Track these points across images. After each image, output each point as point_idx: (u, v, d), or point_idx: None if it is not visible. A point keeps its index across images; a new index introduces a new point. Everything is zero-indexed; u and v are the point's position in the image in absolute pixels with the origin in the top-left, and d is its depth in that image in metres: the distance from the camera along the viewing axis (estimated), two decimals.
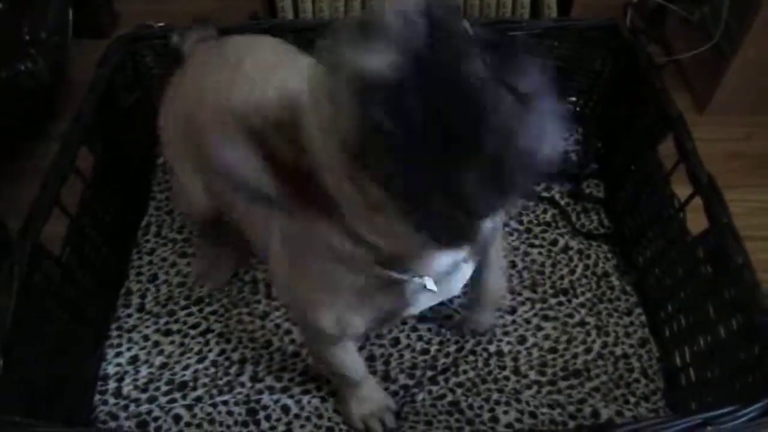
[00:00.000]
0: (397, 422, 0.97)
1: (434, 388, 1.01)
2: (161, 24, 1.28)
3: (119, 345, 1.07)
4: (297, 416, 0.98)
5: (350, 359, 0.89)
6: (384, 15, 0.49)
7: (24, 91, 1.27)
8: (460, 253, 0.68)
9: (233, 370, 1.03)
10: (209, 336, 1.08)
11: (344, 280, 0.68)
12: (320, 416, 0.99)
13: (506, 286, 1.07)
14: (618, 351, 1.04)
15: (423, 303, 0.75)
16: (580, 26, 1.28)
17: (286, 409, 0.99)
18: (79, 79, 1.49)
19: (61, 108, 1.47)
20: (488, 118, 0.46)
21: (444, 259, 0.67)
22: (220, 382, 1.02)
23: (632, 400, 0.99)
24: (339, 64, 0.50)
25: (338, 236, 0.61)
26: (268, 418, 0.98)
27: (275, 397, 1.01)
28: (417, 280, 0.67)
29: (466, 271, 0.76)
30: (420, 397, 1.00)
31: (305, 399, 1.00)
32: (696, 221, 0.98)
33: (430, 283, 0.68)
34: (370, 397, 0.96)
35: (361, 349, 1.04)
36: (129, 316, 1.10)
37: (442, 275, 0.69)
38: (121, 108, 1.24)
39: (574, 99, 1.38)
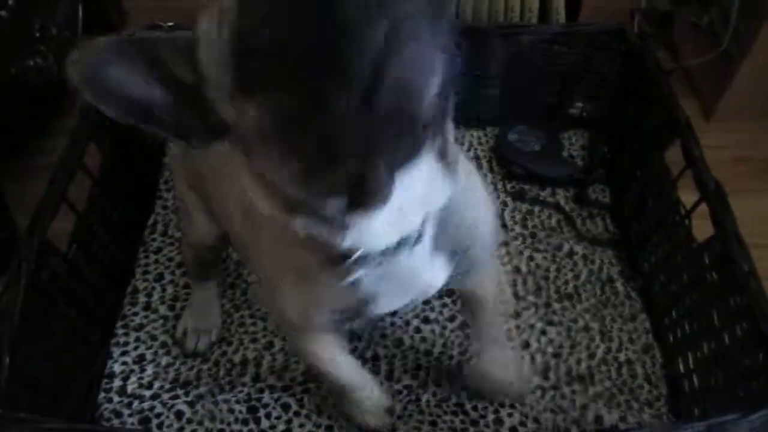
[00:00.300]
0: (398, 420, 0.98)
1: (438, 390, 1.01)
2: (170, 23, 1.29)
3: (126, 343, 1.07)
4: (297, 414, 0.99)
5: (336, 362, 0.86)
6: None
7: (33, 87, 1.28)
8: (402, 220, 0.58)
9: (235, 370, 1.04)
10: None
11: (289, 257, 0.65)
12: (320, 413, 0.99)
13: (509, 291, 1.07)
14: (622, 357, 1.04)
15: (386, 301, 0.71)
16: (588, 31, 1.28)
17: (286, 407, 1.00)
18: None
19: (70, 104, 1.48)
20: (361, 40, 0.42)
21: (376, 226, 0.57)
22: (223, 381, 1.03)
23: (636, 406, 0.99)
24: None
25: (252, 184, 0.57)
26: (268, 416, 0.99)
27: (276, 395, 1.01)
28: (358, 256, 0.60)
29: (430, 267, 0.68)
30: (425, 398, 1.00)
31: (306, 397, 1.01)
32: (702, 227, 0.98)
33: (374, 256, 0.61)
34: (368, 397, 0.95)
35: (366, 348, 1.05)
36: (135, 314, 1.11)
37: (389, 252, 0.60)
38: None
39: (580, 104, 1.38)
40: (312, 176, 0.50)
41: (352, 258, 0.60)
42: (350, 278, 0.64)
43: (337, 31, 0.42)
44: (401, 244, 0.60)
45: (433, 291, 0.74)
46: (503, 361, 0.98)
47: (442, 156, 0.57)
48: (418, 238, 0.61)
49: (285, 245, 0.65)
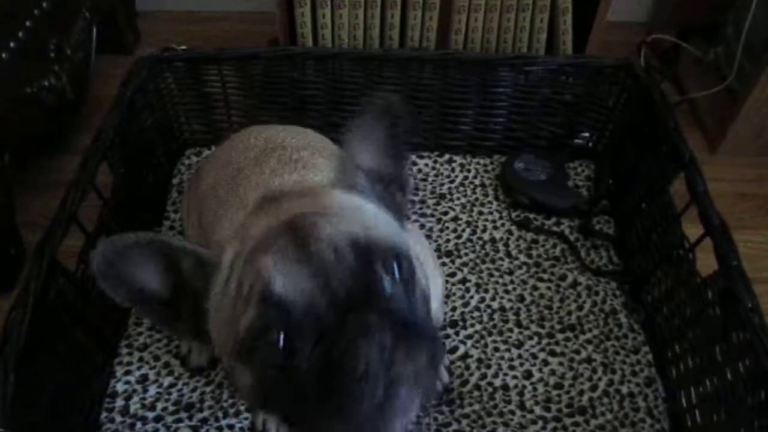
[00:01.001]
0: None
1: (440, 416, 1.01)
2: (183, 47, 1.31)
3: (129, 363, 1.07)
4: None
5: None
6: (318, 242, 0.55)
7: (47, 106, 1.30)
8: None
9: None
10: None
11: None
12: None
13: (444, 365, 1.07)
14: (624, 389, 1.04)
15: None
16: (595, 64, 1.30)
17: None
18: (101, 95, 1.53)
19: (82, 124, 1.50)
20: (351, 396, 0.52)
21: None
22: (225, 404, 1.03)
23: None
24: (259, 261, 0.56)
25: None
26: None
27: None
28: None
29: None
30: (425, 421, 1.00)
31: None
32: (706, 261, 0.99)
33: None
34: None
35: None
36: (140, 334, 1.11)
37: None
38: (141, 127, 1.26)
39: (586, 134, 1.40)
40: None
41: None
42: None
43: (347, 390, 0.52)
44: None
45: None
46: None
47: None
48: None
49: None
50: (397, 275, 0.56)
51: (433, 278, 0.78)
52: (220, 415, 1.01)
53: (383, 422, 0.54)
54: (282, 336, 0.53)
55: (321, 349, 0.53)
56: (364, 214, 0.61)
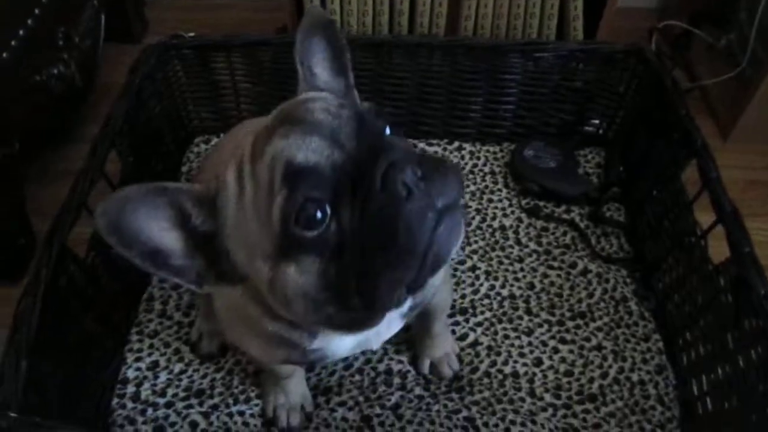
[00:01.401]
0: (408, 425, 0.98)
1: (450, 404, 1.01)
2: (192, 34, 1.31)
3: (140, 350, 1.08)
4: (316, 429, 0.99)
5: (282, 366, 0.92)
6: (315, 114, 0.57)
7: (56, 94, 1.30)
8: (363, 341, 0.75)
9: (249, 380, 1.04)
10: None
11: (257, 324, 0.72)
12: (327, 425, 0.99)
13: (452, 347, 1.07)
14: (634, 377, 1.04)
15: (340, 354, 0.80)
16: (606, 50, 1.29)
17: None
18: (109, 83, 1.53)
19: (90, 112, 1.50)
20: (406, 225, 0.52)
21: (342, 342, 0.74)
22: (236, 391, 1.03)
23: (648, 427, 0.99)
24: (267, 150, 0.56)
25: (245, 300, 0.67)
26: (281, 429, 0.99)
27: None
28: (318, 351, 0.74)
29: (386, 329, 0.80)
30: (435, 408, 1.00)
31: (315, 411, 1.01)
32: (717, 249, 0.98)
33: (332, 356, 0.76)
34: (291, 390, 0.98)
35: (379, 361, 1.05)
36: (150, 321, 1.11)
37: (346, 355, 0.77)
38: (150, 115, 1.26)
39: (597, 121, 1.39)
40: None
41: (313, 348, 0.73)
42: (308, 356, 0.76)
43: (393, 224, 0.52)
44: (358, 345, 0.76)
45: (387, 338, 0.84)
46: (448, 346, 1.05)
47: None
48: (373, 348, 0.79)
49: (252, 320, 0.72)
50: (390, 128, 0.59)
51: None
52: (230, 401, 1.02)
53: (441, 245, 0.54)
54: (318, 204, 0.53)
55: (360, 200, 0.53)
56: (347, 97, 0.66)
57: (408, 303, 0.71)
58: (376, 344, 0.82)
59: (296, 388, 0.99)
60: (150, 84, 1.24)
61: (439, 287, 0.84)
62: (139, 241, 0.56)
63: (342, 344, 0.76)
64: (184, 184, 0.61)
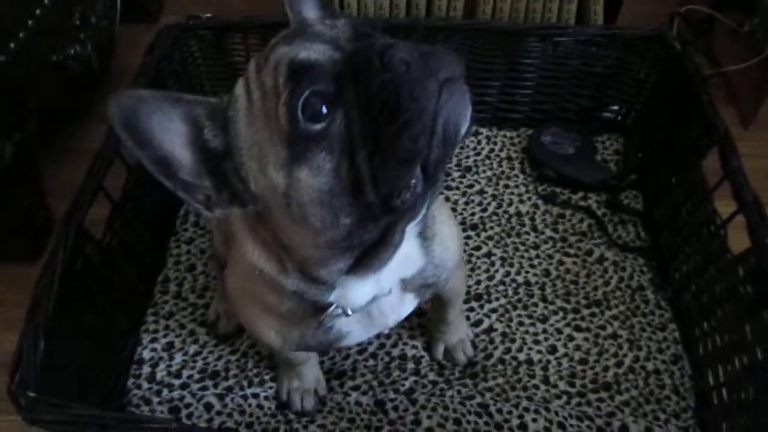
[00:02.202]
0: (422, 411, 0.98)
1: (464, 389, 1.01)
2: (209, 15, 1.30)
3: (155, 331, 1.09)
4: (329, 411, 1.00)
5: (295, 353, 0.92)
6: (317, 26, 0.58)
7: (73, 74, 1.30)
8: (379, 285, 0.71)
9: (263, 363, 1.05)
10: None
11: (272, 302, 0.72)
12: (341, 409, 1.00)
13: (467, 333, 1.07)
14: (650, 366, 1.04)
15: (355, 337, 0.79)
16: (626, 35, 1.27)
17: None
18: (124, 63, 1.52)
19: (106, 91, 1.50)
20: (408, 93, 0.52)
21: (360, 289, 0.70)
22: (250, 373, 1.04)
23: (662, 416, 0.98)
24: (271, 57, 0.56)
25: (258, 251, 0.67)
26: (296, 412, 0.99)
27: None
28: (336, 309, 0.71)
29: (399, 305, 0.78)
30: (449, 393, 1.01)
31: (329, 395, 1.01)
32: (737, 239, 0.97)
33: (350, 311, 0.72)
34: (305, 375, 0.99)
35: (394, 346, 1.05)
36: (166, 302, 1.12)
37: (363, 307, 0.72)
38: None
39: (616, 108, 1.37)
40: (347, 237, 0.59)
41: (330, 310, 0.71)
42: (326, 325, 0.74)
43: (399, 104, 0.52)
44: (375, 299, 0.72)
45: (400, 320, 0.82)
46: (462, 332, 1.05)
47: (423, 234, 0.72)
48: (389, 291, 0.73)
49: (268, 293, 0.72)
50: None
51: (448, 227, 0.80)
52: (245, 383, 1.02)
53: (449, 114, 0.53)
54: (322, 95, 0.54)
55: (362, 87, 0.53)
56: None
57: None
58: (391, 321, 0.80)
59: (310, 372, 0.99)
60: (167, 65, 1.24)
61: (452, 272, 0.84)
62: (152, 145, 0.56)
63: (360, 293, 0.72)
64: (199, 97, 0.60)
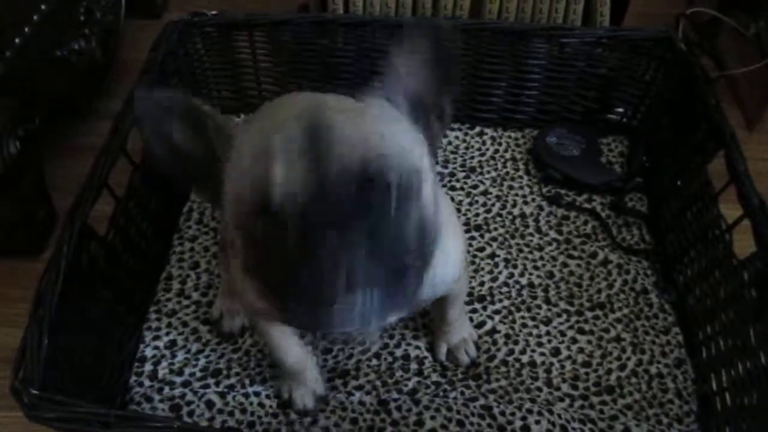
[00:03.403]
0: (425, 411, 0.98)
1: (467, 391, 1.01)
2: (214, 12, 1.29)
3: (158, 329, 1.08)
4: (333, 410, 1.00)
5: (286, 346, 0.93)
6: (328, 147, 0.55)
7: (77, 69, 1.30)
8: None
9: (265, 361, 1.05)
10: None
11: None
12: (344, 409, 1.00)
13: (470, 334, 1.06)
14: (653, 370, 1.03)
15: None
16: (632, 36, 1.26)
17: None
18: (129, 59, 1.52)
19: (110, 87, 1.49)
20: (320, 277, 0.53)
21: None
22: (252, 372, 1.03)
23: (665, 420, 0.98)
24: (262, 152, 0.57)
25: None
26: (297, 411, 0.99)
27: None
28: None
29: None
30: (452, 394, 1.00)
31: (331, 394, 1.01)
32: (741, 242, 0.97)
33: None
34: (303, 375, 0.98)
35: (397, 346, 1.05)
36: (168, 300, 1.12)
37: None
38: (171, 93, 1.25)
39: (621, 110, 1.37)
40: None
41: None
42: None
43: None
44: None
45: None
46: (465, 332, 1.05)
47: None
48: None
49: None
50: (394, 193, 0.56)
51: (453, 239, 0.78)
52: (246, 382, 1.02)
53: (344, 317, 0.55)
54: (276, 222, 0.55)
55: (306, 238, 0.54)
56: (386, 120, 0.61)
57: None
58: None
59: (309, 374, 0.99)
60: (171, 61, 1.24)
61: (453, 281, 0.84)
62: (169, 144, 0.63)
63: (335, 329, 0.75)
64: (211, 109, 0.64)
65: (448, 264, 0.78)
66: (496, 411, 0.99)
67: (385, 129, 0.59)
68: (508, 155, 1.35)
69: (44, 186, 1.22)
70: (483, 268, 1.16)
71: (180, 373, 1.04)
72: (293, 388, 0.99)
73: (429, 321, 1.06)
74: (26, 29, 1.14)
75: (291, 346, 0.94)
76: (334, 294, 0.53)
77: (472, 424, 0.98)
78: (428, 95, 0.65)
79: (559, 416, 0.98)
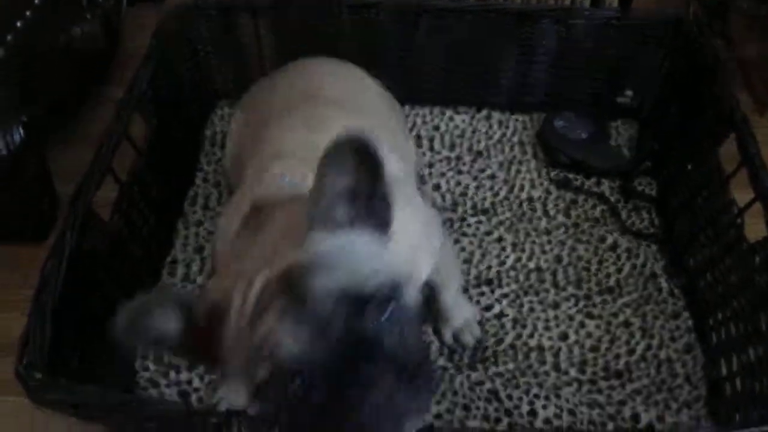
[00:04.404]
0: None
1: (473, 374, 1.00)
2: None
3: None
4: None
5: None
6: (313, 301, 0.56)
7: (79, 54, 1.28)
8: None
9: None
10: None
11: None
12: None
13: (472, 314, 1.06)
14: (662, 354, 1.02)
15: None
16: (642, 18, 1.24)
17: None
18: (131, 45, 1.50)
19: (114, 73, 1.48)
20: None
21: None
22: None
23: (674, 405, 0.97)
24: (263, 327, 0.58)
25: None
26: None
27: None
28: None
29: None
30: (458, 378, 1.00)
31: None
32: (753, 227, 0.95)
33: None
34: None
35: None
36: (173, 284, 1.11)
37: None
38: (174, 79, 1.24)
39: (630, 93, 1.35)
40: None
41: None
42: None
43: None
44: None
45: None
46: (467, 313, 1.04)
47: None
48: None
49: None
50: (387, 316, 0.59)
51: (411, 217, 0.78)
52: None
53: None
54: (293, 384, 0.57)
55: (328, 393, 0.56)
56: (351, 258, 0.62)
57: None
58: None
59: None
60: (174, 46, 1.22)
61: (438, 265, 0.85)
62: (151, 340, 0.62)
63: None
64: (199, 295, 0.66)
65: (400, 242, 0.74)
66: (503, 395, 0.98)
67: (356, 266, 0.61)
68: (515, 139, 1.33)
69: (48, 173, 1.22)
70: (490, 252, 1.15)
71: None
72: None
73: (432, 306, 1.05)
74: (27, 13, 1.13)
75: None
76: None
77: (478, 408, 0.97)
78: (362, 186, 0.63)
79: (567, 401, 0.97)
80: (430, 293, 0.98)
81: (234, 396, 0.96)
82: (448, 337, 1.03)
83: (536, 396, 0.98)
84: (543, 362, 1.02)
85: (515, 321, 1.06)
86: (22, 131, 1.10)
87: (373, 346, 0.57)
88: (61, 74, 1.25)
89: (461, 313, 1.02)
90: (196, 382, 1.00)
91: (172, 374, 1.01)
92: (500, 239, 1.17)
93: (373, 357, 0.57)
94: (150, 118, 1.13)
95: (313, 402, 0.56)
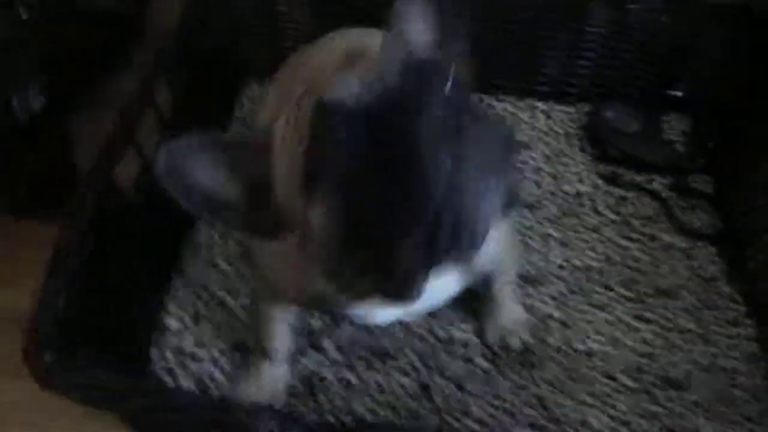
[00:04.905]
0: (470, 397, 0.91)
1: (517, 378, 0.92)
2: None
3: (182, 297, 1.01)
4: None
5: (276, 328, 0.88)
6: (373, 62, 0.54)
7: (103, 19, 1.23)
8: (406, 311, 0.71)
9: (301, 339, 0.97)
10: None
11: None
12: (382, 392, 0.92)
13: (521, 315, 0.98)
14: (723, 364, 0.94)
15: (382, 316, 0.77)
16: (705, 5, 1.16)
17: (347, 384, 0.93)
18: (159, 11, 1.43)
19: (135, 40, 1.41)
20: (431, 182, 0.47)
21: (382, 313, 0.72)
22: None
23: (737, 419, 0.89)
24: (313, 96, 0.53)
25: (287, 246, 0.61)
26: (325, 391, 0.92)
27: (335, 368, 0.94)
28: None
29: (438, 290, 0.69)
30: (501, 381, 0.92)
31: (366, 374, 0.93)
32: None
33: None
34: (270, 380, 0.90)
35: (441, 328, 0.97)
36: (194, 268, 1.04)
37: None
38: (202, 50, 1.17)
39: (686, 84, 1.26)
40: (353, 283, 0.56)
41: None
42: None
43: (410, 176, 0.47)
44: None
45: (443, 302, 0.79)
46: (516, 314, 0.97)
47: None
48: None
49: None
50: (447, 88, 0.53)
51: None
52: None
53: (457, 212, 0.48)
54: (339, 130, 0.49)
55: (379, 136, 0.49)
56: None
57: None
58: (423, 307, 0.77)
59: (272, 371, 0.91)
60: (203, 15, 1.16)
61: (495, 253, 0.79)
62: (197, 192, 0.56)
63: (383, 315, 0.74)
64: (242, 135, 0.64)
65: (492, 247, 0.70)
66: (549, 402, 0.90)
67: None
68: (561, 130, 1.25)
69: (68, 142, 1.16)
70: (535, 249, 1.07)
71: (203, 345, 0.96)
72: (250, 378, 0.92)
73: (479, 303, 0.97)
74: None
75: (284, 335, 0.89)
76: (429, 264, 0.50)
77: (523, 414, 0.89)
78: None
79: (619, 410, 0.89)
80: (480, 284, 0.90)
81: (255, 390, 0.90)
82: (492, 336, 0.95)
83: (586, 404, 0.90)
84: (592, 368, 0.94)
85: (562, 323, 0.98)
86: (43, 98, 1.04)
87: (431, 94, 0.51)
88: (86, 40, 1.19)
89: (510, 313, 0.95)
90: (214, 371, 0.93)
91: (189, 362, 0.94)
92: (545, 236, 1.09)
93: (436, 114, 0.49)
94: (177, 89, 1.06)
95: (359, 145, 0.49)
